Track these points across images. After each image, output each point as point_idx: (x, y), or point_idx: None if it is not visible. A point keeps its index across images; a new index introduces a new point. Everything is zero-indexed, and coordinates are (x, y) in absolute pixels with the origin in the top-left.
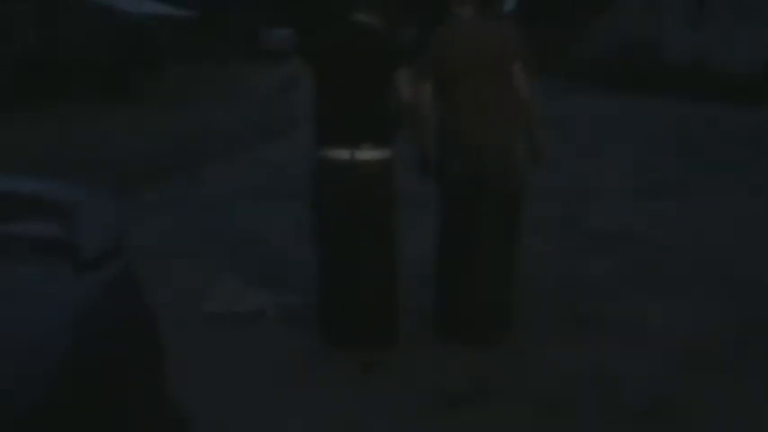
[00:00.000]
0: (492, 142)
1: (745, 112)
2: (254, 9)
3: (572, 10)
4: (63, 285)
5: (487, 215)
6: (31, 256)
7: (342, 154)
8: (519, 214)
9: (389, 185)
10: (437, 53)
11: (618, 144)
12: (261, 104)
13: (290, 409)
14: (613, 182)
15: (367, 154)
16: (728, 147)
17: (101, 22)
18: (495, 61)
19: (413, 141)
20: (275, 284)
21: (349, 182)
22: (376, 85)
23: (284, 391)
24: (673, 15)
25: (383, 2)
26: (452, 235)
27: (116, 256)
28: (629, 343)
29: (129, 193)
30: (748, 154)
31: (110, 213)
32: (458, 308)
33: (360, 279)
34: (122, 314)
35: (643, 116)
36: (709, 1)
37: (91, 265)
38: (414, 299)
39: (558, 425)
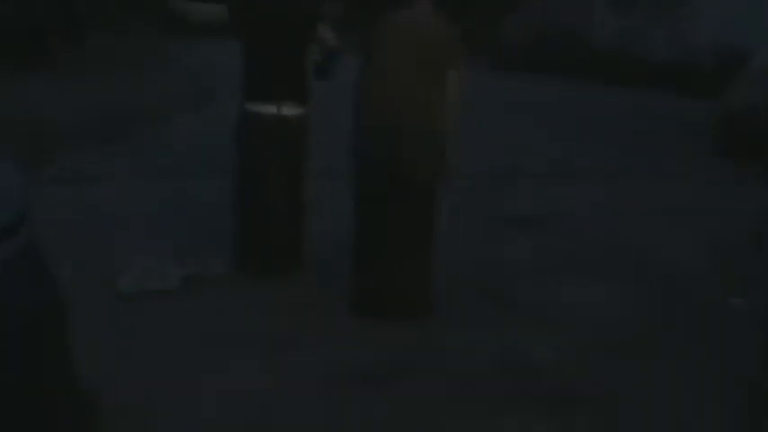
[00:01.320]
0: (412, 129)
1: (672, 99)
2: None
3: None
4: None
5: (403, 200)
6: None
7: (269, 108)
8: (436, 199)
9: (305, 137)
10: (376, 44)
11: (541, 129)
12: (183, 77)
13: (202, 385)
14: (535, 166)
15: (291, 110)
16: (649, 133)
17: None
18: (432, 64)
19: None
20: (197, 255)
21: (275, 133)
22: (295, 47)
23: (198, 367)
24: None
25: None
26: (367, 218)
27: (19, 229)
28: (545, 327)
29: (42, 163)
30: (669, 141)
31: (12, 183)
32: (374, 288)
33: (272, 212)
34: (25, 290)
35: (570, 101)
36: None
37: None
38: (335, 274)
39: (472, 404)
